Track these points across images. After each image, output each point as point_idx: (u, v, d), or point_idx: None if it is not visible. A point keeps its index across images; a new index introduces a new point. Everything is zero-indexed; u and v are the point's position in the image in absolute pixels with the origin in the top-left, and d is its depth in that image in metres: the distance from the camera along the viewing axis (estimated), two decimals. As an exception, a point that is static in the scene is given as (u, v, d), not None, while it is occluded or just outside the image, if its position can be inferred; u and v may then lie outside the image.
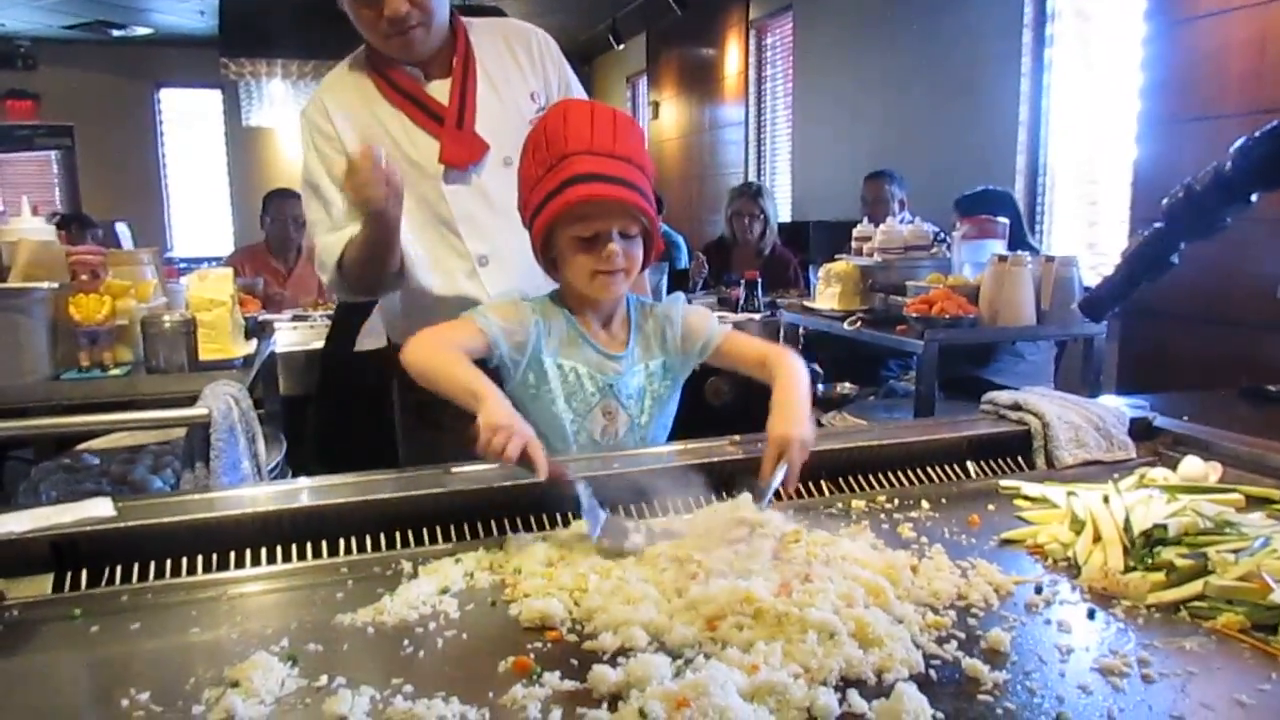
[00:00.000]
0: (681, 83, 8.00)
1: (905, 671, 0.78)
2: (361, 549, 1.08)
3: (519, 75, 1.65)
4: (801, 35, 6.10)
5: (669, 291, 3.57)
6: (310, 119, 1.62)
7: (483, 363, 1.32)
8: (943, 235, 3.04)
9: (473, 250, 1.59)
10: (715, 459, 1.25)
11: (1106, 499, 1.08)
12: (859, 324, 2.82)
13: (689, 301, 1.46)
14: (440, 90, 1.60)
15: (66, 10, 7.55)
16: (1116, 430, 1.39)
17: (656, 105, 8.41)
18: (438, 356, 1.23)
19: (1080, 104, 3.90)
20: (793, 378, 1.26)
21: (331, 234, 1.58)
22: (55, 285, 1.65)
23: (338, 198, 1.60)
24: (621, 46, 8.33)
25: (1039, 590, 0.94)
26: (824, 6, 5.78)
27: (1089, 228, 3.88)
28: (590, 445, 1.35)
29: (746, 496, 1.09)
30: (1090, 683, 0.77)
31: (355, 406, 1.82)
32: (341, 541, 1.08)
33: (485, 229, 1.60)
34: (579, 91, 1.73)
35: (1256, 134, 1.21)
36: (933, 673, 0.78)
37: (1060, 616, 0.89)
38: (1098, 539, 1.01)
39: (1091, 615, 0.90)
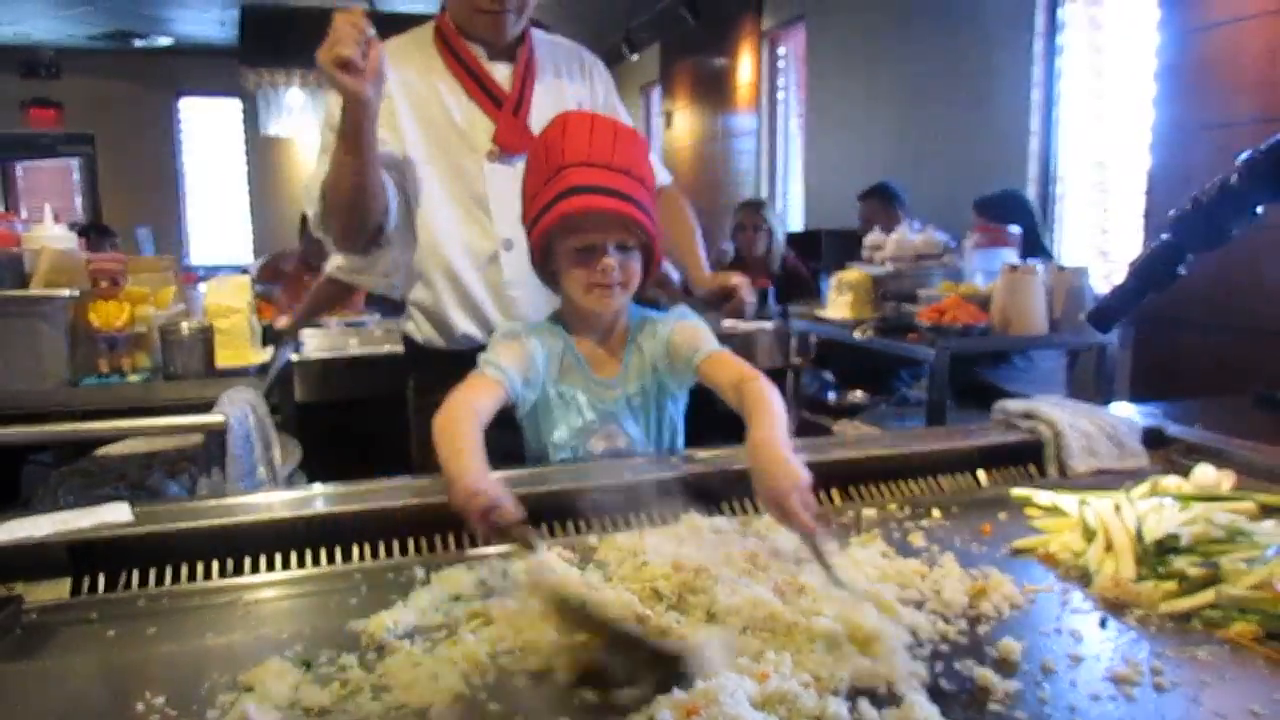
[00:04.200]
0: (695, 93, 8.02)
1: (916, 681, 0.77)
2: (375, 555, 1.09)
3: (569, 83, 1.73)
4: (814, 45, 6.12)
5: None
6: None
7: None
8: (953, 244, 3.03)
9: (499, 233, 1.61)
10: (728, 467, 1.25)
11: (1118, 507, 1.07)
12: (870, 332, 2.82)
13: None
14: (501, 73, 1.65)
15: (90, 20, 7.66)
16: (1129, 438, 1.38)
17: (670, 115, 8.43)
18: (445, 437, 1.09)
19: (1092, 113, 3.89)
20: (765, 418, 1.09)
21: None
22: (75, 292, 1.68)
23: None
24: (635, 57, 8.36)
25: (1051, 599, 0.94)
26: (836, 17, 5.79)
27: (1101, 235, 3.87)
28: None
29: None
30: (1102, 692, 0.76)
31: (373, 410, 1.84)
32: (355, 548, 1.09)
33: (516, 215, 1.57)
34: (623, 113, 1.77)
35: (1263, 146, 1.21)
36: (943, 682, 0.78)
37: (1072, 625, 0.89)
38: (1110, 547, 1.01)
39: (1103, 624, 0.89)
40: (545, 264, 1.34)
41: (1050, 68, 4.01)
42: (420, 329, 1.71)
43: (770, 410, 1.10)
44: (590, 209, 1.24)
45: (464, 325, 1.65)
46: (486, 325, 1.64)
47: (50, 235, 1.82)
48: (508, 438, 1.35)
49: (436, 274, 1.64)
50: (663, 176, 1.75)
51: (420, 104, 1.62)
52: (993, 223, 3.15)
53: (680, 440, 1.44)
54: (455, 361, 1.42)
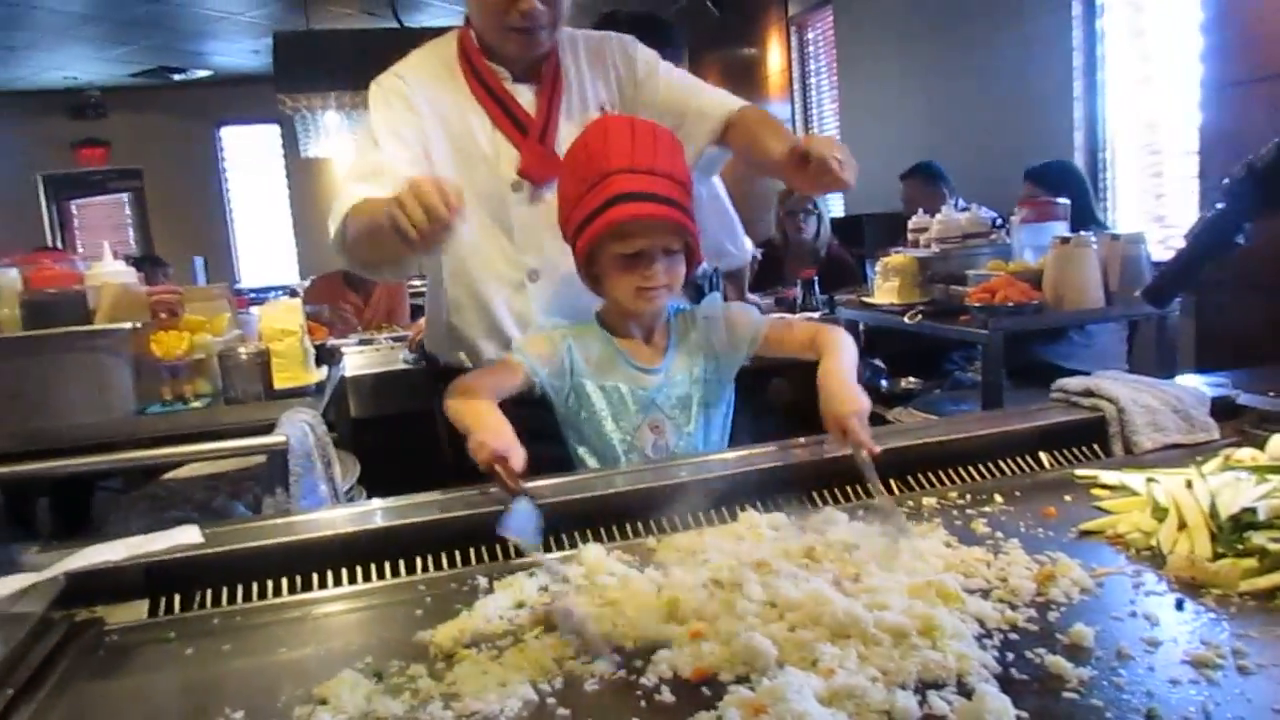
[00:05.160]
0: (725, 83, 7.79)
1: (986, 672, 0.76)
2: (438, 566, 1.10)
3: (593, 89, 1.65)
4: (842, 28, 6.04)
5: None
6: (388, 88, 1.58)
7: (528, 395, 1.33)
8: (1000, 220, 2.96)
9: (526, 262, 1.58)
10: (783, 463, 1.24)
11: (1189, 483, 1.04)
12: (920, 317, 2.76)
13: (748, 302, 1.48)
14: (524, 95, 1.59)
15: (132, 59, 7.92)
16: (1196, 411, 1.34)
17: (700, 108, 8.38)
18: (462, 404, 1.26)
19: (1138, 74, 3.77)
20: (835, 352, 1.30)
21: (359, 184, 1.48)
22: (137, 325, 1.73)
23: (389, 161, 1.49)
24: (662, 53, 8.34)
25: (1122, 582, 0.91)
26: (864, -3, 5.71)
27: (1155, 200, 3.75)
28: (643, 460, 1.36)
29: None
30: (1182, 676, 0.74)
31: (426, 423, 1.87)
32: (418, 560, 1.10)
33: (541, 242, 1.58)
34: (673, 71, 1.68)
35: None
36: (1014, 671, 0.77)
37: (1146, 608, 0.86)
38: (1182, 526, 0.98)
39: (1180, 606, 0.87)
40: (589, 268, 1.35)
41: (1090, 29, 3.89)
42: (451, 352, 1.68)
43: (839, 348, 1.31)
44: (640, 217, 1.26)
45: (493, 353, 1.61)
46: None
47: (111, 271, 1.89)
48: (545, 448, 1.36)
49: (466, 300, 1.62)
50: (733, 102, 1.65)
51: (449, 126, 1.58)
52: (1046, 192, 3.06)
53: (727, 436, 1.45)
54: None
